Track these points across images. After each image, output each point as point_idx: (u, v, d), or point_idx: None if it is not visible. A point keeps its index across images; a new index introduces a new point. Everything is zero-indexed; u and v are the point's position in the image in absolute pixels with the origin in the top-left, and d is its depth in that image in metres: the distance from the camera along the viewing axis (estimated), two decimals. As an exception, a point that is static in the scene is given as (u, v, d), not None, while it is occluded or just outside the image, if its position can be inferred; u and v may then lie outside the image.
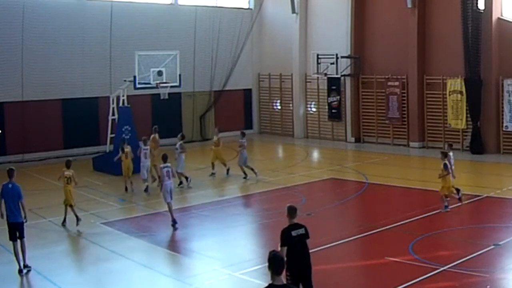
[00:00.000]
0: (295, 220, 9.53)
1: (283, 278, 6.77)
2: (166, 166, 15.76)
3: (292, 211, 9.52)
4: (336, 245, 13.38)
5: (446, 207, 16.18)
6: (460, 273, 11.43)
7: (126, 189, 19.75)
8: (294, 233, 9.32)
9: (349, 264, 12.94)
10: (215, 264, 12.89)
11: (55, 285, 11.46)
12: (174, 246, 14.16)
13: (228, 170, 21.81)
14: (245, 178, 21.19)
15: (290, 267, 9.00)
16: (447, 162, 16.46)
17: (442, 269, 11.59)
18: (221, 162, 21.86)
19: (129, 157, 19.80)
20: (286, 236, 9.26)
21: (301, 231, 9.40)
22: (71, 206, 15.53)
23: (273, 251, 7.05)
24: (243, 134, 21.82)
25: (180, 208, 17.46)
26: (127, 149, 19.88)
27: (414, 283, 11.00)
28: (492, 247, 12.88)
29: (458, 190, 16.59)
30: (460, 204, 16.49)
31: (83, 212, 17.19)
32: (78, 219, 15.32)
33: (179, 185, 19.95)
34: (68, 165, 15.73)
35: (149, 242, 14.48)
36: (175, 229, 15.25)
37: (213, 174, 21.94)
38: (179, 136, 20.98)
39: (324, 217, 16.48)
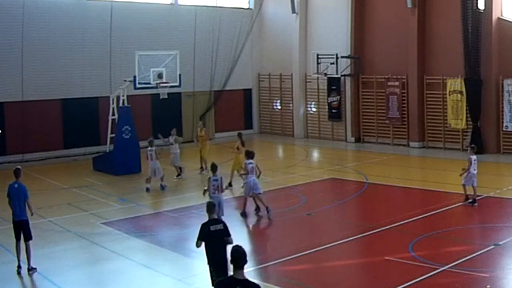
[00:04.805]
0: (215, 216, 10.00)
1: (244, 273, 6.65)
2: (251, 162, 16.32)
3: (210, 207, 9.90)
4: (336, 245, 13.37)
5: None
6: (460, 273, 11.42)
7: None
8: (212, 228, 9.49)
9: (349, 263, 12.92)
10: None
11: (55, 285, 11.45)
12: (174, 246, 14.15)
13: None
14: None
15: (210, 262, 9.43)
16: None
17: (442, 269, 11.58)
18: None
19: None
20: (204, 231, 9.50)
21: (220, 226, 9.57)
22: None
23: (236, 245, 6.99)
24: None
25: (180, 208, 17.50)
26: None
27: (414, 283, 10.99)
28: (492, 247, 12.87)
29: None
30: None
31: (83, 212, 17.24)
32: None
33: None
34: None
35: (149, 242, 14.47)
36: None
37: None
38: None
39: (324, 217, 16.47)
